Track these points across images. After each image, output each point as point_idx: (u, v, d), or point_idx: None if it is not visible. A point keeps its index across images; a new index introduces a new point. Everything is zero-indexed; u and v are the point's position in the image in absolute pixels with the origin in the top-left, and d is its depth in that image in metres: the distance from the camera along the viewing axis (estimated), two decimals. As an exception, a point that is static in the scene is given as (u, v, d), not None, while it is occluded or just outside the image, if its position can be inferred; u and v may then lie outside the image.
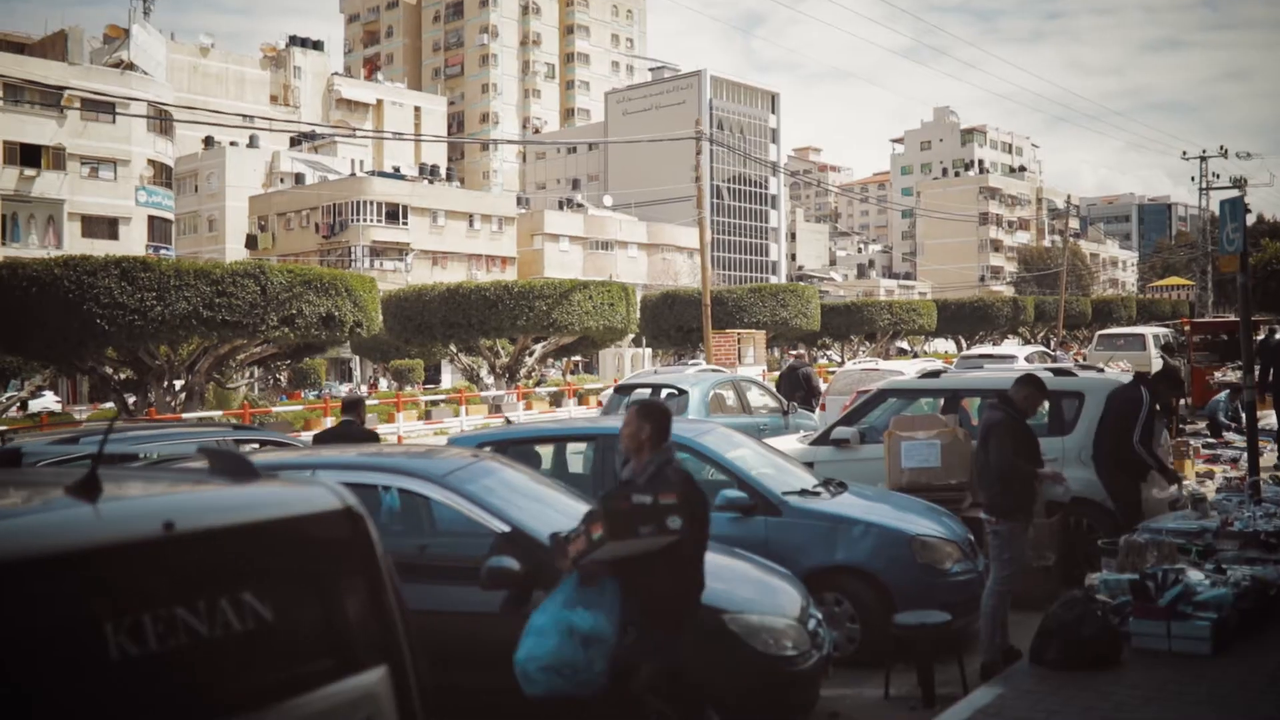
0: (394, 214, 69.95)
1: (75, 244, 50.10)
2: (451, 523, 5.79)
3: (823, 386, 20.00)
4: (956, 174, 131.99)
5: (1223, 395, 19.09)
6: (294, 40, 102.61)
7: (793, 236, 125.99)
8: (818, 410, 18.59)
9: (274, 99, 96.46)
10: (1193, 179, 76.20)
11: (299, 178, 78.99)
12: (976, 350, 34.53)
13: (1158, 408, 8.99)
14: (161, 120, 59.38)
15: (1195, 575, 7.03)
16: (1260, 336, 18.69)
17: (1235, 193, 50.02)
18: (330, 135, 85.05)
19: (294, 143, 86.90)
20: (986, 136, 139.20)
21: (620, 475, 5.00)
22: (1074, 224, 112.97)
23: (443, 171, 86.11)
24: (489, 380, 33.07)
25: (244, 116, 60.79)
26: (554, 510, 6.25)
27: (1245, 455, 11.33)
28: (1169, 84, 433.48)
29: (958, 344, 56.96)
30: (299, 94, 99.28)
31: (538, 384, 40.21)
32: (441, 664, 5.50)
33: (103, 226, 56.34)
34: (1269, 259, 32.67)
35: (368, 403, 35.22)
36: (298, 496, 3.15)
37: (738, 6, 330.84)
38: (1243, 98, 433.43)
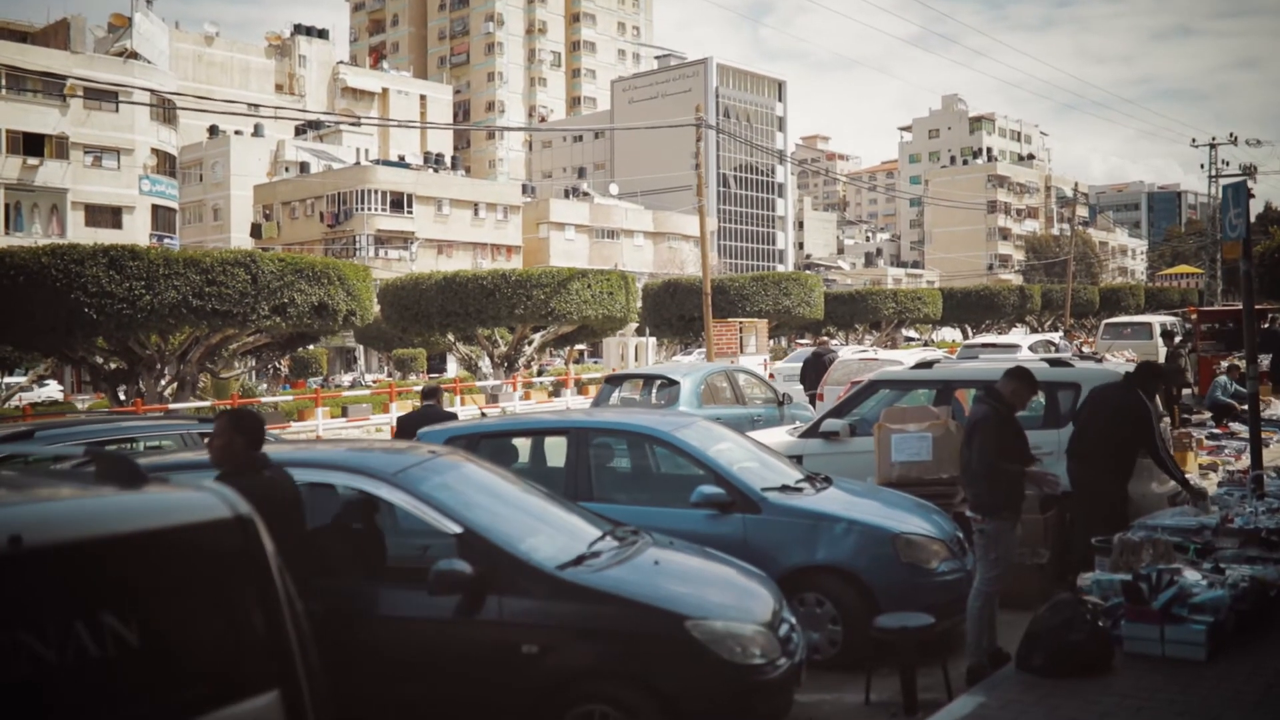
0: (399, 203, 69.77)
1: (79, 233, 49.99)
2: (404, 523, 5.51)
3: None
4: (965, 162, 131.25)
5: (1223, 376, 18.75)
6: (299, 29, 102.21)
7: (801, 225, 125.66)
8: (816, 400, 18.33)
9: (279, 88, 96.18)
10: (1202, 166, 75.58)
11: (304, 167, 78.82)
12: (980, 339, 34.25)
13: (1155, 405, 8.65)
14: (165, 109, 59.22)
15: (1192, 576, 6.73)
16: (1265, 325, 18.34)
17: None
18: (335, 124, 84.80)
19: (299, 132, 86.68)
20: (995, 124, 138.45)
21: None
22: (1083, 212, 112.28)
23: (448, 160, 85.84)
24: (488, 370, 32.81)
25: (249, 105, 60.46)
26: (517, 509, 5.98)
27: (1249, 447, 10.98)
28: (1180, 71, 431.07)
29: (964, 333, 56.65)
30: (304, 83, 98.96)
31: (540, 373, 40.00)
32: (388, 674, 5.28)
33: (106, 216, 56.26)
34: (1277, 246, 32.19)
35: (362, 392, 35.12)
36: (180, 504, 2.88)
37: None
38: (1254, 85, 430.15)
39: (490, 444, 8.29)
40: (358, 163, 76.50)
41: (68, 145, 54.68)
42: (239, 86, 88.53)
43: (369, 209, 68.46)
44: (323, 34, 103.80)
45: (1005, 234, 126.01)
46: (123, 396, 21.31)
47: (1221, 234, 10.26)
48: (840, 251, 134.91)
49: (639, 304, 36.82)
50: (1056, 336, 32.99)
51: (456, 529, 5.26)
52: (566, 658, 5.05)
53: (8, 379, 37.19)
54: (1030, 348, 23.28)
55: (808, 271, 62.09)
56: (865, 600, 6.95)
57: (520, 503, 6.09)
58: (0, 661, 2.28)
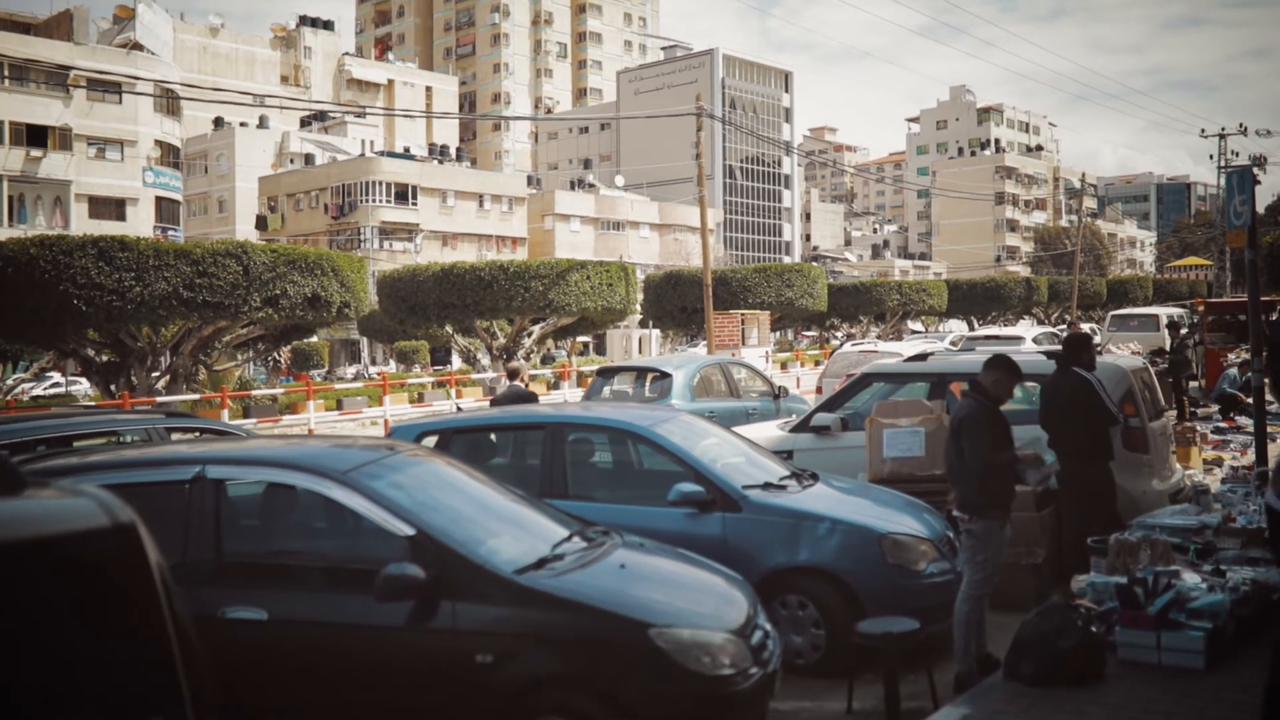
0: (403, 194, 69.53)
1: (82, 225, 49.90)
2: (354, 524, 5.23)
3: None
4: (973, 153, 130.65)
5: (1234, 370, 18.47)
6: (305, 20, 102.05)
7: (808, 217, 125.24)
8: (814, 394, 18.03)
9: (284, 79, 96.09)
10: (1211, 157, 74.92)
11: (309, 158, 78.63)
12: (984, 331, 33.90)
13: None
14: (168, 100, 59.04)
15: (1190, 579, 6.43)
16: (1274, 317, 17.98)
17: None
18: (340, 115, 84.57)
19: (304, 123, 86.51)
20: (1003, 116, 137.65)
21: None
22: (1091, 204, 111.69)
23: (454, 152, 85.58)
24: (486, 362, 32.53)
25: (254, 96, 60.31)
26: (479, 509, 5.69)
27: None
28: (1190, 62, 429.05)
29: (970, 325, 56.21)
30: (309, 74, 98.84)
31: (545, 361, 39.72)
32: (335, 684, 5.01)
33: (110, 208, 56.13)
34: (1286, 236, 31.75)
35: (358, 385, 34.90)
36: (49, 513, 2.59)
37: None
38: (1264, 76, 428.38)
39: (464, 439, 8.00)
40: (363, 154, 76.29)
41: (71, 137, 54.57)
42: (244, 78, 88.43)
43: (374, 201, 68.24)
44: (328, 25, 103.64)
45: (1013, 225, 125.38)
46: (114, 390, 21.09)
47: (1226, 221, 9.92)
48: (847, 243, 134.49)
49: (640, 295, 36.49)
50: (1060, 329, 32.63)
51: (409, 530, 4.97)
52: (524, 667, 4.77)
53: (14, 374, 36.96)
54: (1034, 339, 22.94)
55: (812, 263, 61.66)
56: (849, 603, 6.65)
57: (483, 502, 5.80)
58: None
